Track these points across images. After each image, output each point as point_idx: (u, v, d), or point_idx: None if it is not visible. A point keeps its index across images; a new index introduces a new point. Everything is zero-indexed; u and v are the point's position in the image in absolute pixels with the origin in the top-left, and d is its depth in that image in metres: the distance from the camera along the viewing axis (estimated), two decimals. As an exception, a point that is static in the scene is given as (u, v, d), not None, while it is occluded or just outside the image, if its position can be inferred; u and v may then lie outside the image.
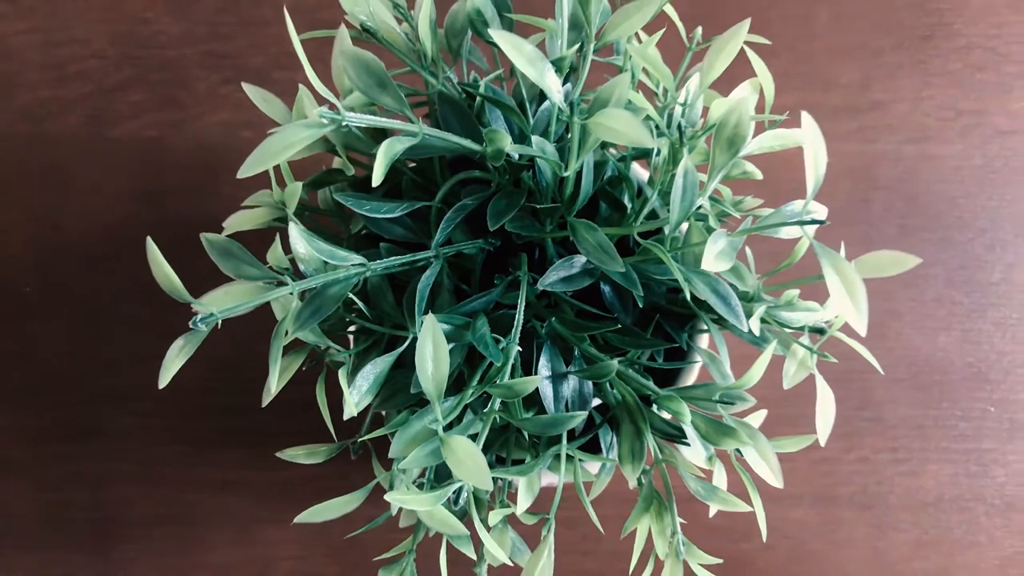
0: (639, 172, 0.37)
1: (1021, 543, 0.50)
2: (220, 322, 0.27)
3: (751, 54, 0.32)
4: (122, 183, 0.51)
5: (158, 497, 0.50)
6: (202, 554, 0.50)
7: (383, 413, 0.37)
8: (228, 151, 0.52)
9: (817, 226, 0.24)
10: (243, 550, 0.49)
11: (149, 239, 0.26)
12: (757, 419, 0.34)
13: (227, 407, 0.50)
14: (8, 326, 0.51)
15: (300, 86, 0.34)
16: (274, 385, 0.28)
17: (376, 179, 0.25)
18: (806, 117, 0.23)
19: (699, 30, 0.34)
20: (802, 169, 0.47)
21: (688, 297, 0.27)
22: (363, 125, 0.25)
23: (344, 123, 0.25)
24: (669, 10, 0.35)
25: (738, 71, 0.34)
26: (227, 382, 0.50)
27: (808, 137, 0.23)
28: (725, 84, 0.43)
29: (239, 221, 0.34)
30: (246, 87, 0.33)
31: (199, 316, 0.27)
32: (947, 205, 0.52)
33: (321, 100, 0.43)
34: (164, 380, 0.28)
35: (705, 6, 0.52)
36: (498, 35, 0.24)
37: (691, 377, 0.37)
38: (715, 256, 0.23)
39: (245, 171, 0.25)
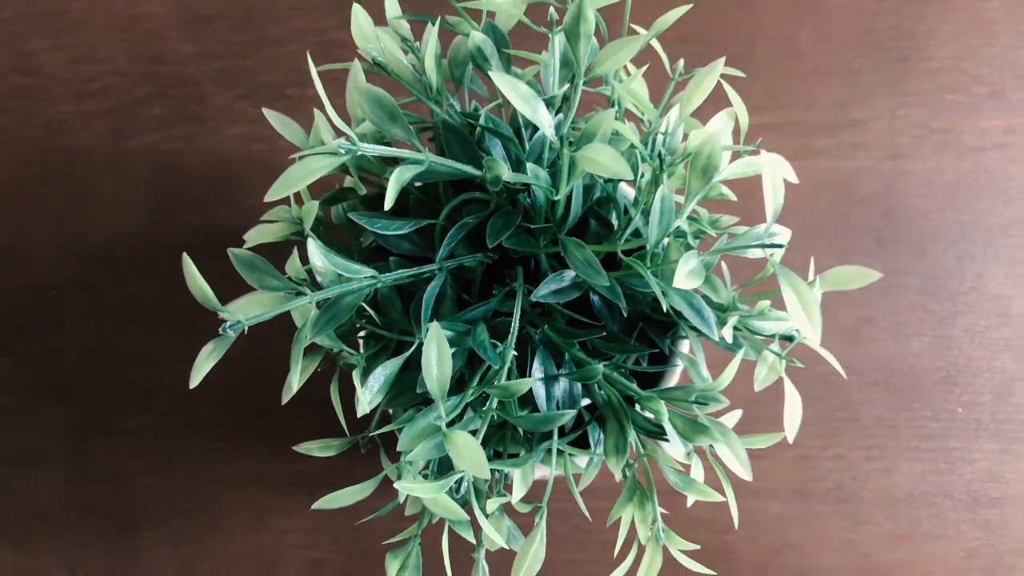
0: (627, 191, 0.40)
1: (985, 536, 0.53)
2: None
3: (727, 87, 0.35)
4: (141, 193, 0.55)
5: (176, 490, 0.53)
6: (217, 543, 0.53)
7: (390, 411, 0.40)
8: (241, 163, 0.55)
9: (777, 249, 0.27)
10: (256, 539, 0.53)
11: (185, 255, 0.29)
12: (733, 418, 0.37)
13: (241, 405, 0.53)
14: (36, 328, 0.54)
15: (316, 112, 0.37)
16: (295, 383, 0.31)
17: (388, 204, 0.28)
18: (765, 155, 0.27)
19: (681, 62, 0.37)
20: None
21: (666, 308, 0.30)
22: (376, 155, 0.29)
23: (359, 152, 0.29)
24: (655, 43, 0.38)
25: (722, 92, 0.37)
26: (242, 382, 0.53)
27: (767, 172, 0.26)
28: (710, 104, 0.46)
29: (259, 234, 0.37)
30: (266, 112, 0.37)
31: (228, 323, 0.30)
32: (920, 218, 0.55)
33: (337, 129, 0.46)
34: (195, 381, 0.31)
35: (695, 29, 0.55)
36: (497, 77, 0.27)
37: (674, 379, 0.41)
38: (686, 275, 0.27)
39: (272, 195, 0.29)
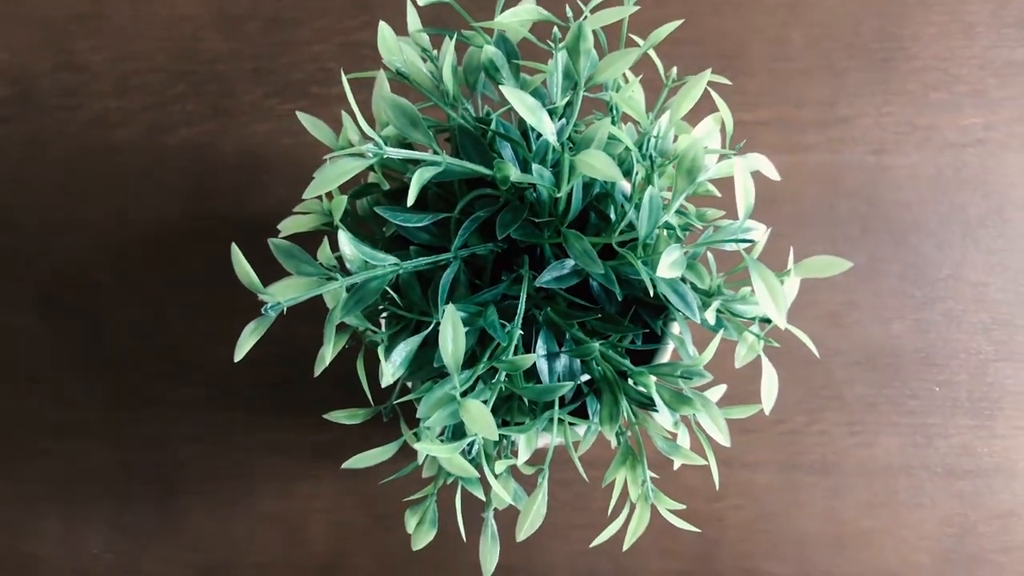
0: (626, 186, 0.44)
1: (959, 505, 0.57)
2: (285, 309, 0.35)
3: (714, 95, 0.39)
4: (178, 183, 0.59)
5: (211, 457, 0.57)
6: (249, 506, 0.57)
7: (408, 384, 0.44)
8: (270, 156, 0.59)
9: (747, 244, 0.31)
10: (284, 503, 0.57)
11: (234, 245, 0.34)
12: (718, 393, 0.41)
13: (270, 381, 0.58)
14: (84, 309, 0.58)
15: (344, 115, 0.41)
16: (328, 357, 0.35)
17: (410, 201, 0.32)
18: (739, 159, 0.31)
19: (674, 70, 0.41)
20: (761, 185, 0.55)
21: (652, 294, 0.34)
22: (400, 157, 0.33)
23: (385, 156, 0.33)
24: (651, 53, 0.42)
25: (718, 92, 0.41)
26: (270, 359, 0.57)
27: (738, 176, 0.30)
28: (706, 102, 0.49)
29: (293, 225, 0.41)
30: (300, 115, 0.41)
31: (268, 304, 0.34)
32: (903, 210, 0.59)
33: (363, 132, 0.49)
34: (239, 355, 0.36)
35: (692, 31, 0.59)
36: (507, 91, 0.31)
37: (666, 357, 0.45)
38: (668, 266, 0.31)
39: (309, 193, 0.33)
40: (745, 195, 0.30)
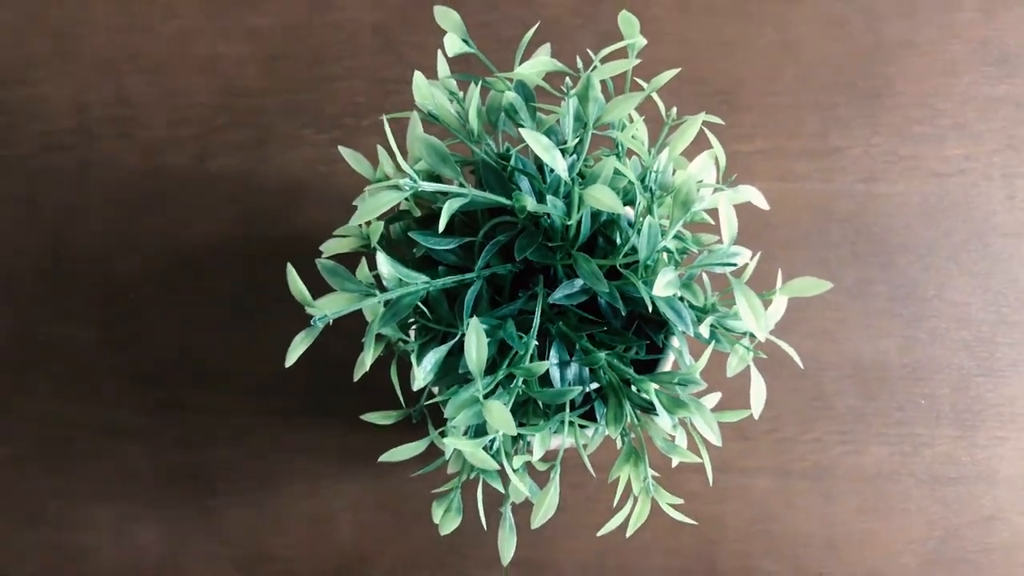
0: (629, 214, 0.49)
1: (943, 510, 0.61)
2: (331, 321, 0.39)
3: (709, 134, 0.44)
4: (220, 207, 0.64)
5: (244, 459, 0.62)
6: (279, 505, 0.62)
7: (434, 390, 0.49)
8: (305, 182, 0.64)
9: (732, 268, 0.36)
10: (313, 502, 0.62)
11: (289, 265, 0.39)
12: (713, 400, 0.46)
13: (301, 388, 0.62)
14: (127, 320, 0.63)
15: (380, 149, 0.46)
16: (368, 362, 0.40)
17: (441, 228, 0.37)
18: (723, 194, 0.35)
19: (674, 110, 0.46)
20: (751, 214, 0.60)
21: (650, 310, 0.39)
22: (432, 190, 0.38)
23: (419, 189, 0.38)
24: (654, 95, 0.46)
25: (714, 128, 0.46)
26: (301, 368, 0.62)
27: (722, 209, 0.35)
28: (705, 135, 0.54)
29: (334, 246, 0.46)
30: (342, 150, 0.46)
31: (316, 316, 0.39)
32: (891, 234, 0.63)
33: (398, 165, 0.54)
34: (290, 361, 0.40)
35: (694, 69, 0.64)
36: (525, 133, 0.36)
37: (667, 367, 0.49)
38: (663, 286, 0.35)
39: (355, 221, 0.38)
40: (728, 225, 0.35)
